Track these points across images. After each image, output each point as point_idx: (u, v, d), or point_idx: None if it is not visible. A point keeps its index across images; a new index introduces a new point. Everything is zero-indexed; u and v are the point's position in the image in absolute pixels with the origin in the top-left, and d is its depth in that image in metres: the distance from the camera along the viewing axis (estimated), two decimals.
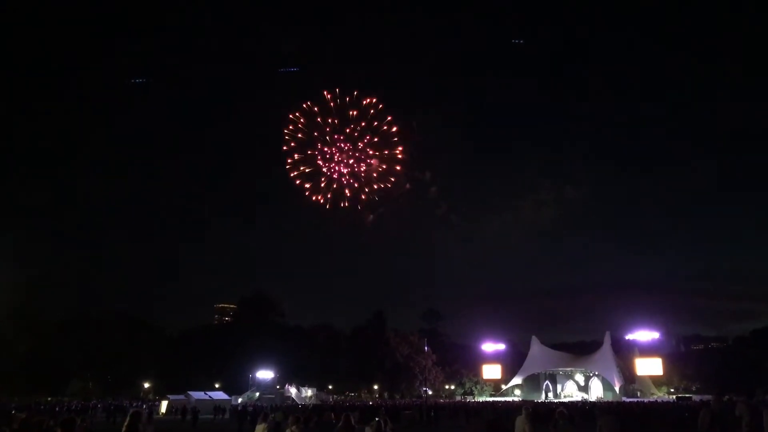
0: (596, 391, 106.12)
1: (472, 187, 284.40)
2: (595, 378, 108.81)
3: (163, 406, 73.30)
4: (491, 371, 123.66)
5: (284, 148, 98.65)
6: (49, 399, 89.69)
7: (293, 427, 15.35)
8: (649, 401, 79.09)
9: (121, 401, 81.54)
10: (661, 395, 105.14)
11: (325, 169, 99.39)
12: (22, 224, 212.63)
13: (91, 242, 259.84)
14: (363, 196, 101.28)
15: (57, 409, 56.62)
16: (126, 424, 11.01)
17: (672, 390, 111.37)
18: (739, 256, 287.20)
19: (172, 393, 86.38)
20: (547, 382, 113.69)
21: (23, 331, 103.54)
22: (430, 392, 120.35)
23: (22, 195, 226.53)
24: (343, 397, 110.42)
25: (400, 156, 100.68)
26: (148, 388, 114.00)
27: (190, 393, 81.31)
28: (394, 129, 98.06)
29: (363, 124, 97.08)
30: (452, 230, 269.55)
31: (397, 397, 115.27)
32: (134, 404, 72.43)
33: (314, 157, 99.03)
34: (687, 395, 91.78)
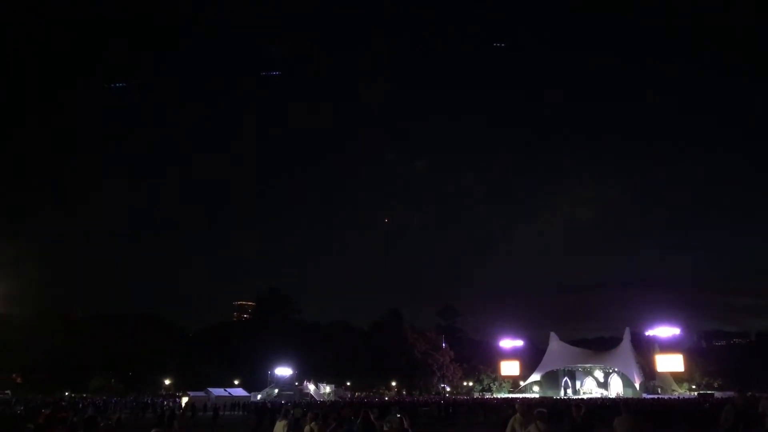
0: (616, 388, 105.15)
1: (508, 186, 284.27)
2: (615, 374, 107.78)
3: (184, 402, 73.95)
4: (509, 368, 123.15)
5: None
6: (73, 395, 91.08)
7: (312, 424, 15.43)
8: (669, 398, 78.24)
9: (144, 398, 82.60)
10: (682, 392, 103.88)
11: None
12: (48, 225, 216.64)
13: (114, 242, 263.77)
14: None
15: (80, 405, 57.45)
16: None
17: (693, 386, 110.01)
18: (761, 252, 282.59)
19: (192, 390, 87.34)
20: (566, 378, 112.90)
21: (47, 329, 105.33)
22: (448, 389, 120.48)
23: (46, 196, 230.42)
24: (360, 394, 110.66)
25: None
26: (169, 385, 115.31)
27: (210, 390, 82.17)
28: None
29: None
30: (485, 228, 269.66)
31: (415, 393, 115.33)
32: (155, 401, 73.33)
33: None
34: (709, 392, 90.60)
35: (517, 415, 12.85)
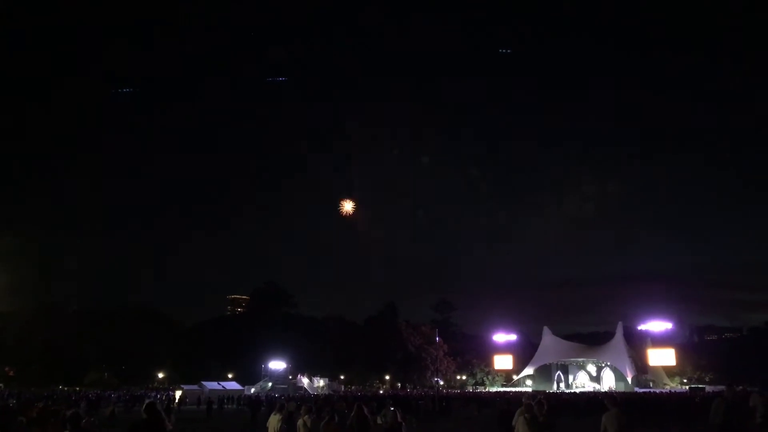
0: (608, 382, 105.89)
1: (505, 183, 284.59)
2: (608, 368, 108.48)
3: (177, 396, 73.96)
4: (503, 362, 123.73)
5: None
6: (66, 389, 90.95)
7: (305, 417, 15.44)
8: (661, 392, 78.80)
9: (138, 391, 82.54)
10: (674, 386, 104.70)
11: None
12: (43, 219, 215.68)
13: (109, 237, 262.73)
14: None
15: (74, 398, 57.28)
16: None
17: (685, 380, 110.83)
18: (754, 247, 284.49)
19: (186, 383, 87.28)
20: (558, 372, 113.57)
21: (41, 323, 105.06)
22: (441, 382, 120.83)
23: (42, 192, 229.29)
24: (354, 388, 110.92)
25: None
26: (163, 378, 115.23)
27: (204, 383, 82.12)
28: None
29: None
30: (480, 224, 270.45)
31: (409, 387, 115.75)
32: (150, 394, 73.27)
33: None
34: (700, 386, 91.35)
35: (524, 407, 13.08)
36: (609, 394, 12.85)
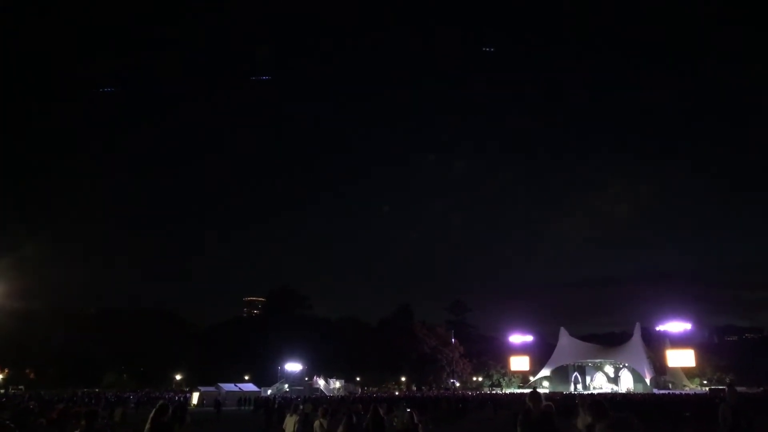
0: (626, 383, 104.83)
1: (520, 184, 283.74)
2: (625, 369, 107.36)
3: (195, 397, 74.45)
4: (519, 363, 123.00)
5: None
6: (85, 390, 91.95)
7: (322, 419, 15.50)
8: (681, 393, 77.86)
9: (158, 393, 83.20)
10: (693, 387, 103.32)
11: None
12: (60, 222, 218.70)
13: (124, 238, 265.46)
14: None
15: (93, 401, 57.87)
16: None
17: (705, 382, 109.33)
18: None
19: (202, 385, 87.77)
20: (576, 373, 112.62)
21: (60, 325, 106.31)
22: (457, 384, 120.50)
23: (61, 195, 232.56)
24: (370, 389, 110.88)
25: None
26: (180, 380, 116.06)
27: (221, 385, 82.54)
28: None
29: None
30: (494, 224, 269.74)
31: (425, 388, 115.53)
32: (166, 396, 73.83)
33: None
34: (720, 387, 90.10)
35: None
36: (594, 401, 12.15)
